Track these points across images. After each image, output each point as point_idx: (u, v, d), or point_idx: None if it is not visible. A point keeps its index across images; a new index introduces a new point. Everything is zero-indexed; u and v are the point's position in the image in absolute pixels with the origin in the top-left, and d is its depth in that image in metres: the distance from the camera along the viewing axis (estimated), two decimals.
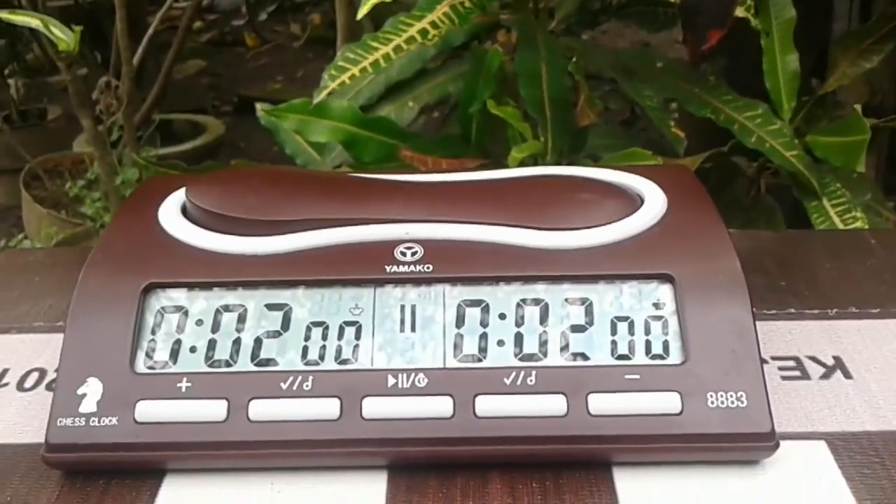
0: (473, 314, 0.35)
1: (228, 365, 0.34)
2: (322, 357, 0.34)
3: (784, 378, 0.38)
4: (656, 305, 0.35)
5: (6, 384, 0.39)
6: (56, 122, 2.29)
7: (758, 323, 0.39)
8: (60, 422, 0.33)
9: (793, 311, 0.42)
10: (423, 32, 0.98)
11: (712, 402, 0.33)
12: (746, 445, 0.33)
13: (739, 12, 0.98)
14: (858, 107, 0.94)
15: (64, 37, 1.13)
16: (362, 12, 0.89)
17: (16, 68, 2.42)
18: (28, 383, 0.39)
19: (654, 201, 0.39)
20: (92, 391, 0.33)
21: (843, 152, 0.95)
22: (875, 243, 0.48)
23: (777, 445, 0.33)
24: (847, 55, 1.03)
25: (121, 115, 1.44)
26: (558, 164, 0.95)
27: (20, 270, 0.50)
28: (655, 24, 1.30)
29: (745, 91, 1.05)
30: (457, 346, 0.34)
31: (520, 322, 0.35)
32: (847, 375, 0.38)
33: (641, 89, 1.05)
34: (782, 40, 1.01)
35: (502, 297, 0.35)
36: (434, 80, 1.16)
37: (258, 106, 1.12)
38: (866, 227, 0.94)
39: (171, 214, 0.39)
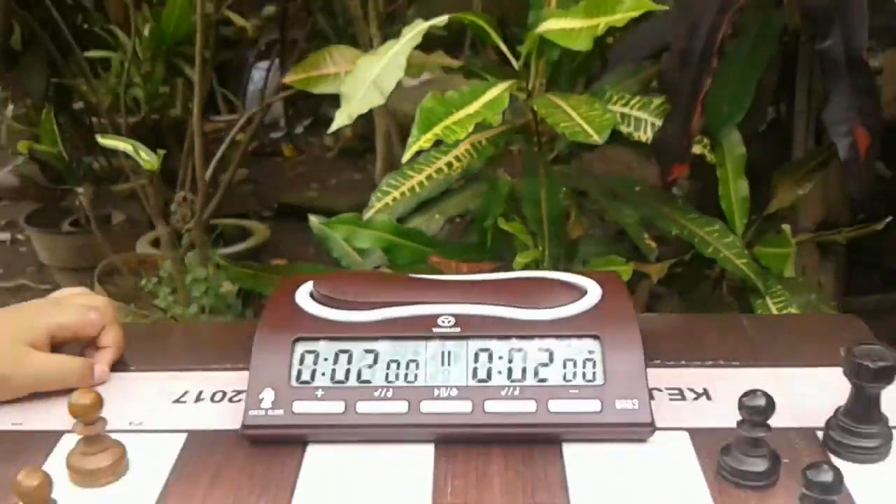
0: (484, 356, 0.61)
1: (343, 382, 0.60)
2: (397, 378, 0.60)
3: (670, 399, 0.63)
4: (590, 352, 0.60)
5: (203, 399, 0.65)
6: (120, 226, 2.59)
7: (660, 369, 0.65)
8: (251, 413, 0.59)
9: (683, 362, 0.68)
10: (449, 164, 1.25)
11: (619, 405, 0.58)
12: (636, 430, 0.58)
13: (698, 149, 1.25)
14: (787, 227, 1.20)
15: (149, 159, 1.42)
16: (406, 157, 1.17)
17: (86, 177, 2.74)
18: (216, 398, 0.65)
19: (594, 293, 0.65)
20: (267, 396, 0.59)
21: (777, 261, 1.21)
22: (747, 323, 0.74)
23: (654, 431, 0.58)
24: (784, 184, 1.30)
25: (192, 223, 1.73)
26: (555, 267, 1.21)
27: (188, 335, 0.76)
28: (644, 150, 1.57)
29: (712, 208, 1.30)
30: (474, 374, 0.60)
31: (511, 361, 0.60)
32: (709, 399, 0.63)
33: (622, 209, 1.31)
34: (735, 172, 1.27)
35: (501, 347, 0.61)
36: (456, 198, 1.43)
37: (312, 219, 1.38)
38: None
39: (303, 298, 0.65)
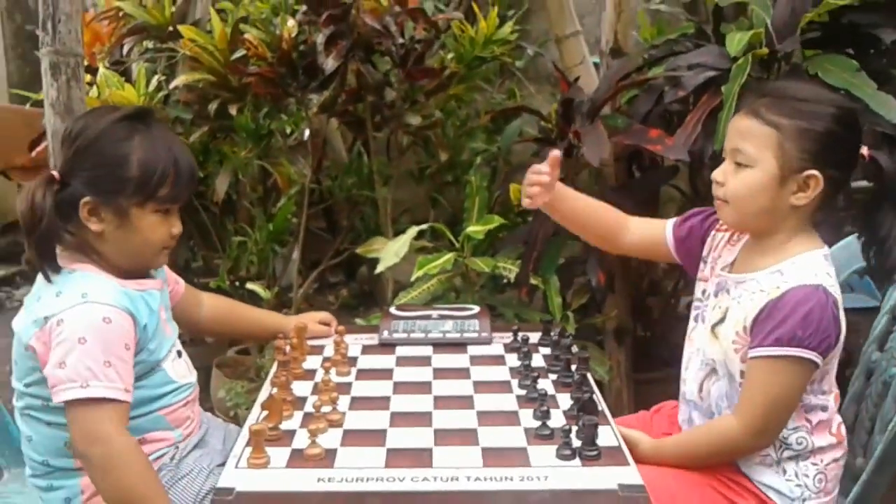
0: (446, 322, 2.18)
1: (407, 330, 2.17)
2: (422, 330, 2.17)
3: (501, 337, 2.20)
4: (476, 322, 2.18)
5: (365, 342, 2.20)
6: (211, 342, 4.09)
7: (501, 333, 2.25)
8: (381, 336, 2.15)
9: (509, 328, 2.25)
10: (428, 288, 2.85)
11: (482, 335, 2.15)
12: (487, 339, 2.15)
13: (536, 281, 2.86)
14: (570, 315, 2.79)
15: (269, 295, 3.00)
16: (412, 279, 2.74)
17: None
18: (371, 340, 2.20)
19: (476, 310, 2.23)
20: (385, 333, 2.16)
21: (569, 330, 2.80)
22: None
23: (491, 341, 2.15)
24: (575, 298, 2.91)
25: None
26: None
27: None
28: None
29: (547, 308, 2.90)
30: (445, 329, 2.17)
31: (454, 324, 2.18)
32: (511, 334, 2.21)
33: (507, 308, 2.90)
34: (554, 293, 2.89)
35: (450, 321, 2.19)
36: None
37: (357, 320, 2.95)
38: None
39: (394, 311, 2.23)
